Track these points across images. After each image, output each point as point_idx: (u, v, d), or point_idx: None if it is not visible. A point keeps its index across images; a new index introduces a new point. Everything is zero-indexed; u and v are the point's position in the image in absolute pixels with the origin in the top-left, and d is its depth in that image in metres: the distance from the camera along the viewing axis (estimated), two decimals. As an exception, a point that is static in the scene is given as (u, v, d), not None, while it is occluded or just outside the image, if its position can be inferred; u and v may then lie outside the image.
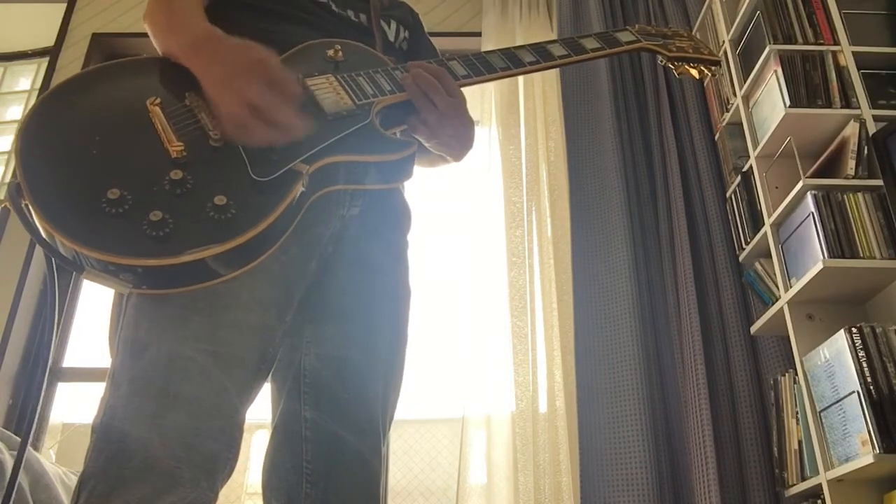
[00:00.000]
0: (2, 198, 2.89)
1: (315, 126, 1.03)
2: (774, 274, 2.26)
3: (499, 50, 1.27)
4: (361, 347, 1.16)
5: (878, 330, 1.85)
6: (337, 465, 1.10)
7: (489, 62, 1.23)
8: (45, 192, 0.85)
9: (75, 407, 2.81)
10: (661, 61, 1.44)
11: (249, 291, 0.98)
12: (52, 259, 0.88)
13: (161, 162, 0.91)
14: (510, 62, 1.25)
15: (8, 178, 3.00)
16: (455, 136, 1.19)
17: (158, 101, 0.97)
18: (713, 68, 1.46)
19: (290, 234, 0.97)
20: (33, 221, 0.85)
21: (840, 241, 2.03)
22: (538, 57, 1.28)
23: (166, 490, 0.84)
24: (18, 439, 1.82)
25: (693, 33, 1.64)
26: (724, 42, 2.67)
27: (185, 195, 0.89)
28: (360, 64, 1.17)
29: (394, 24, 1.41)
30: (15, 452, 1.73)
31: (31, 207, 0.84)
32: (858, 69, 2.27)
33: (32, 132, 0.90)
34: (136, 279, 0.85)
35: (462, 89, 1.20)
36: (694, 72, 1.44)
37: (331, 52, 1.16)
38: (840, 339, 1.87)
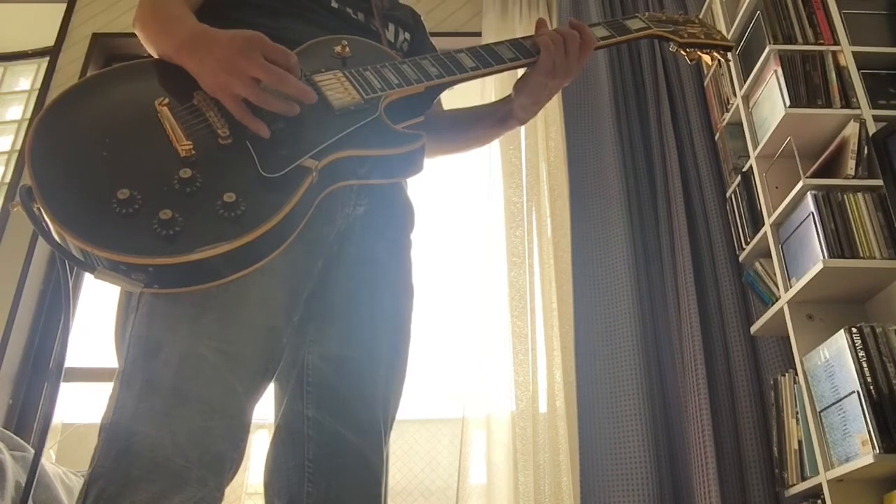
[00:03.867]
0: (4, 198, 2.89)
1: (324, 122, 1.03)
2: (774, 274, 2.26)
3: (507, 41, 1.26)
4: (363, 347, 1.17)
5: (878, 330, 1.85)
6: (339, 464, 1.10)
7: (497, 53, 1.23)
8: (56, 195, 0.85)
9: (75, 407, 2.80)
10: (673, 48, 1.41)
11: (259, 291, 0.98)
12: (65, 260, 0.88)
13: (170, 161, 0.91)
14: (518, 52, 1.24)
15: (8, 178, 2.99)
16: (548, 95, 1.27)
17: (167, 101, 0.97)
18: (726, 53, 1.43)
19: (298, 234, 0.97)
20: (45, 224, 0.85)
21: (840, 241, 2.03)
22: None
23: (174, 490, 0.84)
24: (18, 440, 1.81)
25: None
26: (723, 42, 2.67)
27: (194, 193, 0.89)
28: (368, 59, 1.17)
29: (392, 27, 1.41)
30: (15, 452, 1.73)
31: (42, 210, 0.84)
32: (858, 69, 2.28)
33: (42, 136, 0.90)
34: (147, 278, 0.85)
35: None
36: (707, 58, 1.42)
37: (338, 49, 1.15)
38: (840, 339, 1.87)
